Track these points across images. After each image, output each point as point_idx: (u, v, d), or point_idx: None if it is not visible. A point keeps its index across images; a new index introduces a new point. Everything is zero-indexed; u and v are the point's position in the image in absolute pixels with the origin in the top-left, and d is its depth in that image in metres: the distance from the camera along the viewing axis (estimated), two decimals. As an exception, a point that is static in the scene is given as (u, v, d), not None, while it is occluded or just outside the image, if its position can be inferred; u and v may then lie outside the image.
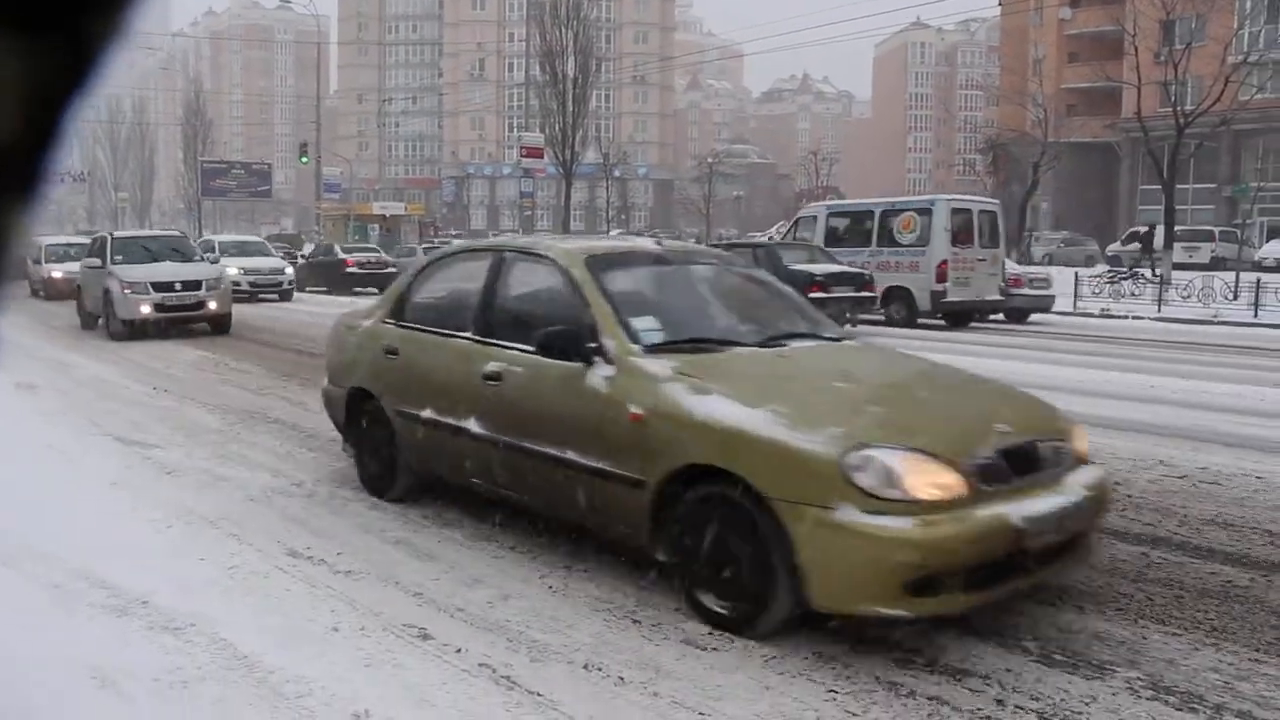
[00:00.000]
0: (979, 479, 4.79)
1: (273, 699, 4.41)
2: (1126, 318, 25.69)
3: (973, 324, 23.81)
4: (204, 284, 20.39)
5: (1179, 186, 40.48)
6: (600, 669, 4.74)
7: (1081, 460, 5.55)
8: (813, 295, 17.75)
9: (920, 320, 22.95)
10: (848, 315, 20.12)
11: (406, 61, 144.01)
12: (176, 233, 27.19)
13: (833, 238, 24.58)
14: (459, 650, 4.92)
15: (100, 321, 21.02)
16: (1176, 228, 39.39)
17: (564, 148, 53.26)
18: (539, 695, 4.47)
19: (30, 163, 0.49)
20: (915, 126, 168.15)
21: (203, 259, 22.97)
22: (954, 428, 5.22)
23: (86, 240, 39.66)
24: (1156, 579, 5.96)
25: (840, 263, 22.12)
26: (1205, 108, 35.33)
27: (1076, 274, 29.90)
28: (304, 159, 72.75)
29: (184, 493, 7.96)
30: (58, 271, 31.86)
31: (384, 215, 57.94)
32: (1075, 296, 27.83)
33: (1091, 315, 26.32)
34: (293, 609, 5.48)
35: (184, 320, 20.42)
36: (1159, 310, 26.50)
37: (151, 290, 19.70)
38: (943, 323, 23.35)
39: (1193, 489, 8.00)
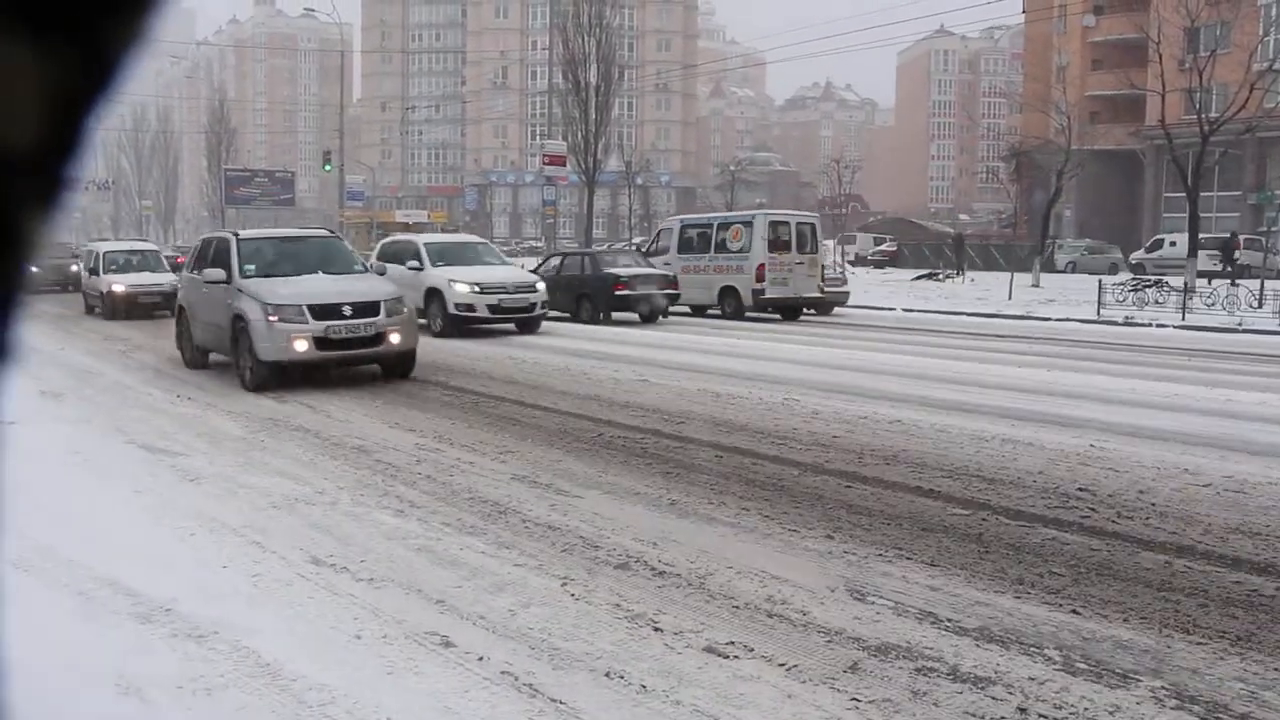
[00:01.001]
0: None
1: (295, 707, 4.42)
2: (1150, 325, 25.53)
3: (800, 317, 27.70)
4: (382, 307, 14.30)
5: (1203, 194, 40.30)
6: (622, 677, 4.74)
7: None
8: (619, 292, 24.48)
9: (750, 314, 26.68)
10: (658, 308, 25.39)
11: (429, 69, 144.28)
12: (325, 231, 18.81)
13: (687, 246, 28.91)
14: (481, 658, 4.92)
15: (215, 357, 16.03)
16: (1201, 235, 39.15)
17: (586, 155, 53.27)
18: (561, 703, 4.47)
19: (51, 169, 0.49)
20: (938, 134, 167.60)
21: (365, 268, 16.45)
22: None
23: (150, 246, 34.17)
24: (1181, 587, 5.92)
25: (651, 265, 27.05)
26: (1230, 115, 35.10)
27: (1100, 281, 29.72)
28: (327, 167, 73.10)
29: (207, 500, 7.99)
30: (119, 285, 27.28)
31: (406, 223, 58.12)
32: (1099, 304, 27.68)
33: (1115, 323, 26.16)
34: (315, 617, 5.49)
35: (356, 360, 14.74)
36: (1183, 318, 26.32)
37: (310, 318, 13.77)
38: (776, 316, 27.08)
39: (1218, 497, 7.94)
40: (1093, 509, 7.54)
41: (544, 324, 22.60)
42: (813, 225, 28.42)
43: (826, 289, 28.73)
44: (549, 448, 10.03)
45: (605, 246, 43.24)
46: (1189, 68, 35.97)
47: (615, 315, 24.80)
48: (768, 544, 6.79)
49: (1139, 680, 4.68)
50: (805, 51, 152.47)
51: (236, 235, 16.08)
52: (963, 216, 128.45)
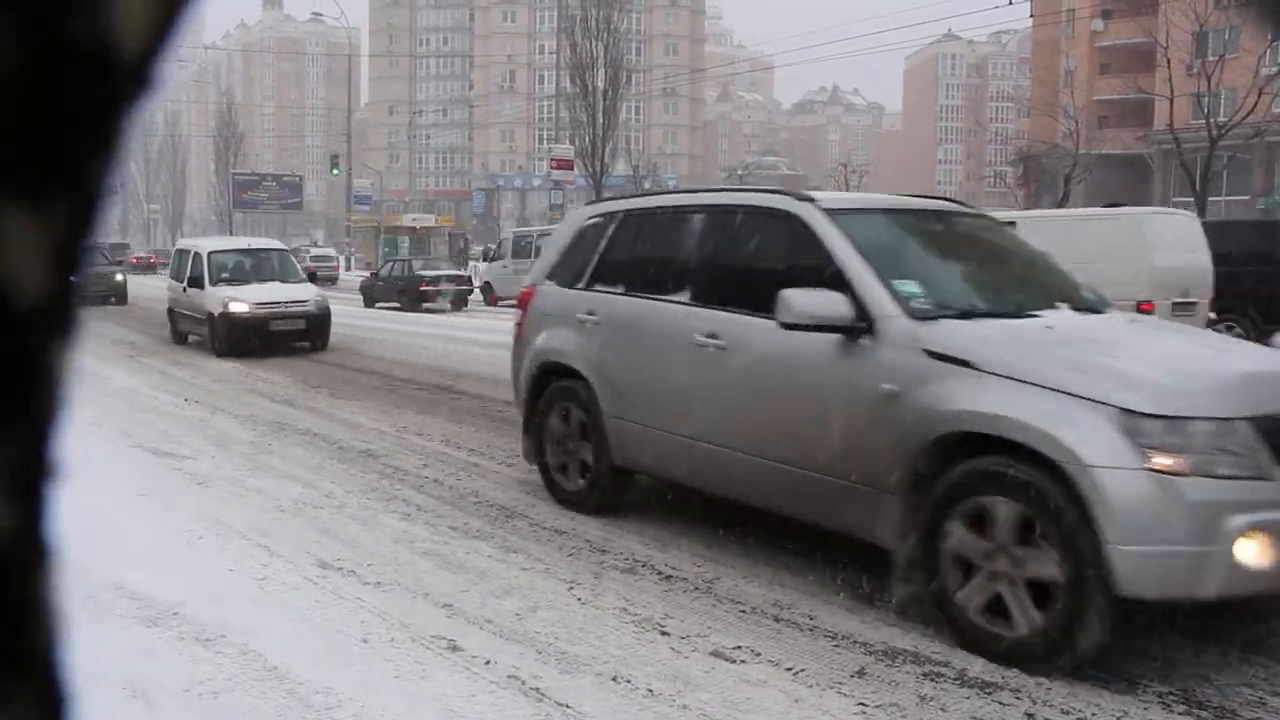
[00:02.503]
0: None
1: (301, 710, 4.41)
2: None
3: None
4: None
5: (1211, 199, 40.22)
6: (629, 681, 4.73)
7: None
8: (423, 289, 32.07)
9: None
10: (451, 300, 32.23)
11: (437, 74, 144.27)
12: (950, 202, 7.97)
13: (522, 252, 34.00)
14: (488, 662, 4.91)
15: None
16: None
17: (594, 160, 53.23)
18: (568, 707, 4.46)
19: (60, 313, 0.49)
20: (945, 138, 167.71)
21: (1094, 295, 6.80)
22: None
23: (276, 245, 22.53)
24: (1189, 593, 5.90)
25: (451, 268, 36.32)
26: (1238, 119, 35.08)
27: (1108, 286, 29.66)
28: (335, 171, 73.43)
29: (214, 503, 7.99)
30: (239, 303, 18.21)
31: (414, 227, 58.07)
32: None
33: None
34: (322, 620, 5.49)
35: None
36: (1192, 322, 26.22)
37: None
38: None
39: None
40: (1100, 514, 7.51)
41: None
42: None
43: None
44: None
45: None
46: (1197, 72, 36.00)
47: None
48: (775, 548, 6.78)
49: (1147, 685, 4.67)
50: (812, 55, 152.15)
51: (812, 200, 6.50)
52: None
